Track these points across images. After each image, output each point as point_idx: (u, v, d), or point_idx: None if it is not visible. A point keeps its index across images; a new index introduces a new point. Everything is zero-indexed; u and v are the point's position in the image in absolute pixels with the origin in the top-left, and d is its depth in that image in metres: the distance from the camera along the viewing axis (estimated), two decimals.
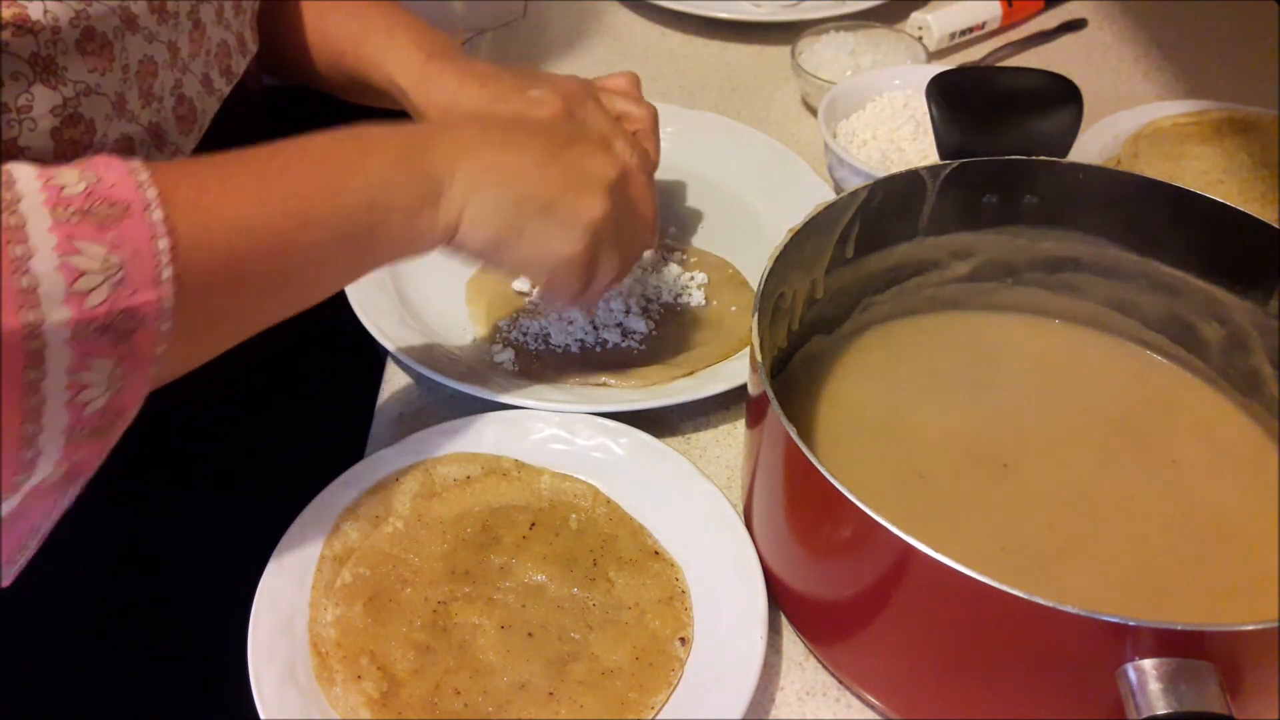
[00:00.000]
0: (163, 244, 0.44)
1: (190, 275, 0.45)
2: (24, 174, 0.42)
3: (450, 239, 0.56)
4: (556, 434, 0.64)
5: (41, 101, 0.50)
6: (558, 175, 0.57)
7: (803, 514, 0.52)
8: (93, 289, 0.41)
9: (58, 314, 0.40)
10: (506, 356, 0.71)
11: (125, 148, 0.55)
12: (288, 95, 0.85)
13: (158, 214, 0.44)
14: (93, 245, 0.42)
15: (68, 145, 0.52)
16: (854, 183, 0.78)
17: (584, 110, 0.68)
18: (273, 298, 0.52)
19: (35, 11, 0.48)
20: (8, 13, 0.47)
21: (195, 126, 0.62)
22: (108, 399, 0.44)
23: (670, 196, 0.86)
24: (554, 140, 0.59)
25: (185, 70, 0.60)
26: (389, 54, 0.71)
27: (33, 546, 0.50)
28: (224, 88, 0.65)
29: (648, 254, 0.78)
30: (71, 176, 0.43)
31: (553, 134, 0.60)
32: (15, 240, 0.40)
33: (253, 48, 0.70)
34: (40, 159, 0.50)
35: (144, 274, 0.43)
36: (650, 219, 0.65)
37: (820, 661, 0.56)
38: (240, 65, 0.67)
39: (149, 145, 0.57)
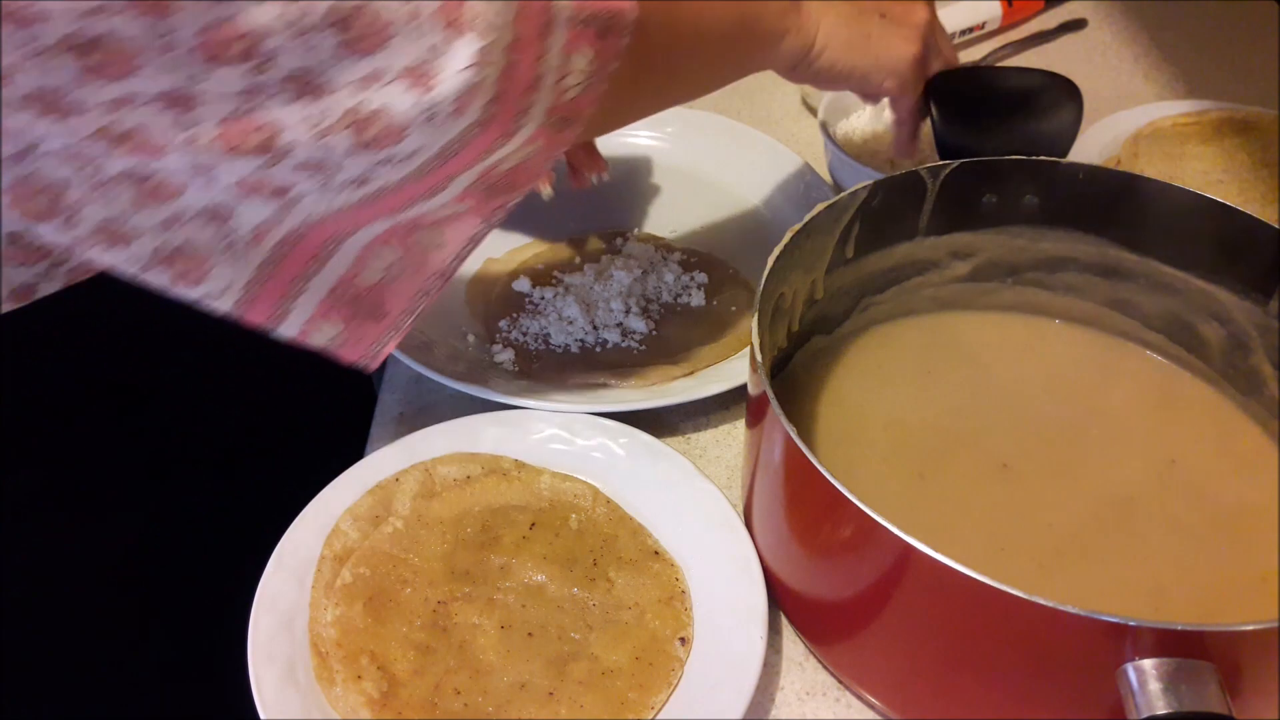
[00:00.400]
0: None
1: (643, 18, 0.49)
2: None
3: (809, 48, 0.64)
4: (556, 434, 0.64)
5: None
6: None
7: (803, 514, 0.52)
8: None
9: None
10: (506, 356, 0.71)
11: None
12: None
13: None
14: None
15: None
16: (854, 183, 0.78)
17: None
18: (680, 71, 0.58)
19: None
20: None
21: None
22: (580, 91, 0.47)
23: (670, 196, 0.86)
24: None
25: None
26: None
27: (435, 292, 0.52)
28: None
29: (644, 255, 0.78)
30: None
31: None
32: None
33: None
34: None
35: None
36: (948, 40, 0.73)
37: (820, 661, 0.56)
38: None
39: None
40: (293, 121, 0.40)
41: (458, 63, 0.41)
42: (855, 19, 0.65)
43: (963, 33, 1.03)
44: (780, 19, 0.61)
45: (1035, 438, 0.61)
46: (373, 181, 0.44)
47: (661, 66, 0.56)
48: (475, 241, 0.50)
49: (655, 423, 0.66)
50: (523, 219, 0.82)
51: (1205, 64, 1.02)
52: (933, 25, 0.69)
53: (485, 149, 0.45)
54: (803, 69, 0.65)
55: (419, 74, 0.41)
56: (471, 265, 0.78)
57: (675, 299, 0.76)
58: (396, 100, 0.41)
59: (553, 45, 0.45)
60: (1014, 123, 0.61)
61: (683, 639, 0.55)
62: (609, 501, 0.61)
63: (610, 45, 0.47)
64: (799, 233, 0.57)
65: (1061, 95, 0.62)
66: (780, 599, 0.56)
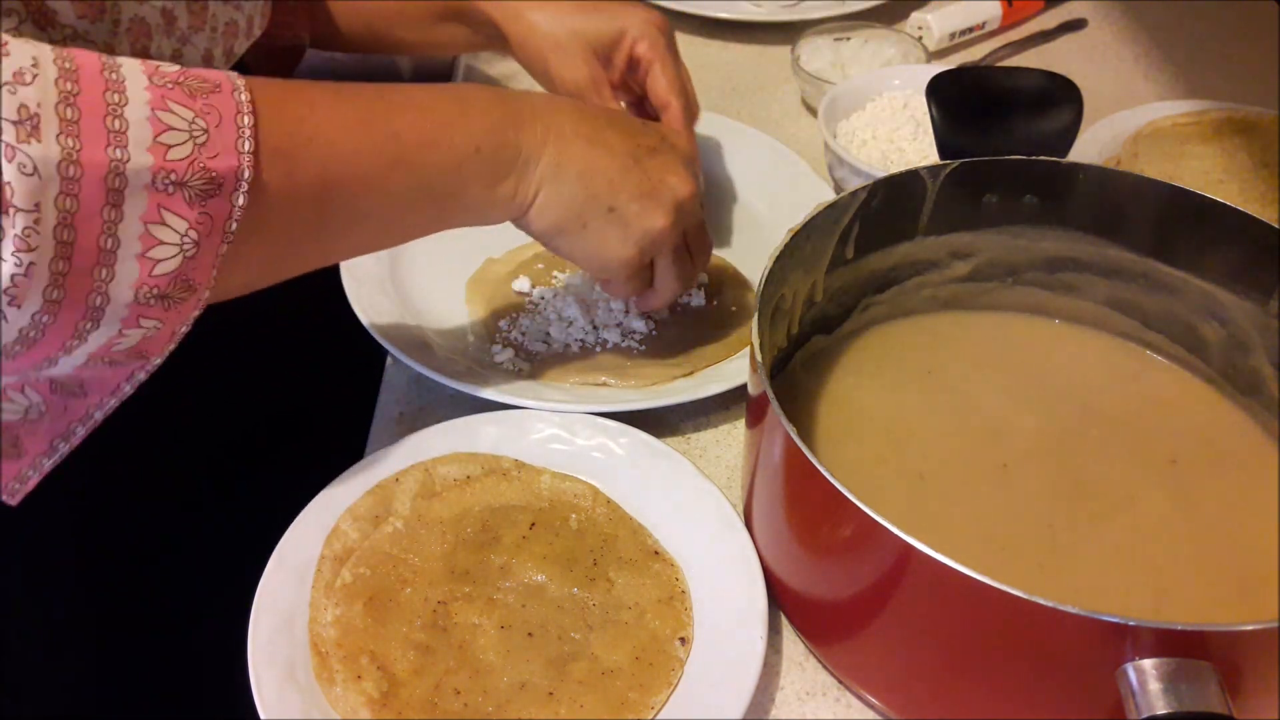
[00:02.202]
0: (246, 120, 0.46)
1: (283, 180, 0.48)
2: (126, 59, 0.45)
3: (522, 215, 0.59)
4: (556, 434, 0.64)
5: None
6: (634, 181, 0.59)
7: (803, 514, 0.52)
8: (177, 144, 0.44)
9: (141, 158, 0.43)
10: (506, 356, 0.71)
11: None
12: None
13: (244, 96, 0.47)
14: (182, 108, 0.44)
15: None
16: (854, 183, 0.78)
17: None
18: (349, 231, 0.54)
19: None
20: None
21: None
22: (178, 264, 0.45)
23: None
24: (640, 146, 0.61)
25: (185, 41, 0.60)
26: None
27: (75, 438, 0.51)
28: (224, 67, 0.65)
29: None
30: (166, 63, 0.46)
31: (640, 140, 0.62)
32: (114, 89, 0.43)
33: (257, 31, 0.70)
34: None
35: (226, 141, 0.45)
36: (706, 251, 0.68)
37: (820, 661, 0.56)
38: (242, 47, 0.67)
39: None
40: None
41: (4, 250, 0.40)
42: (578, 204, 0.59)
43: (963, 33, 1.04)
44: (488, 189, 0.56)
45: (1035, 438, 0.61)
46: None
47: (320, 233, 0.52)
48: (121, 395, 0.49)
49: (655, 423, 0.66)
50: None
51: (1205, 64, 1.02)
52: (669, 230, 0.61)
53: (70, 333, 0.44)
54: (519, 228, 0.61)
55: None
56: (471, 265, 0.78)
57: (675, 299, 0.75)
58: None
59: (126, 215, 0.43)
60: (1014, 123, 0.61)
61: (683, 639, 0.55)
62: (609, 501, 0.61)
63: (215, 209, 0.45)
64: (799, 233, 0.57)
65: (1061, 95, 0.62)
66: (780, 599, 0.56)
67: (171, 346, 0.48)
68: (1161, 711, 0.40)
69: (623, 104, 0.76)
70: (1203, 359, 0.63)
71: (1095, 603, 0.40)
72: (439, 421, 0.64)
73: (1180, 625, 0.40)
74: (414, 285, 0.76)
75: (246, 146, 0.46)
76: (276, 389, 0.82)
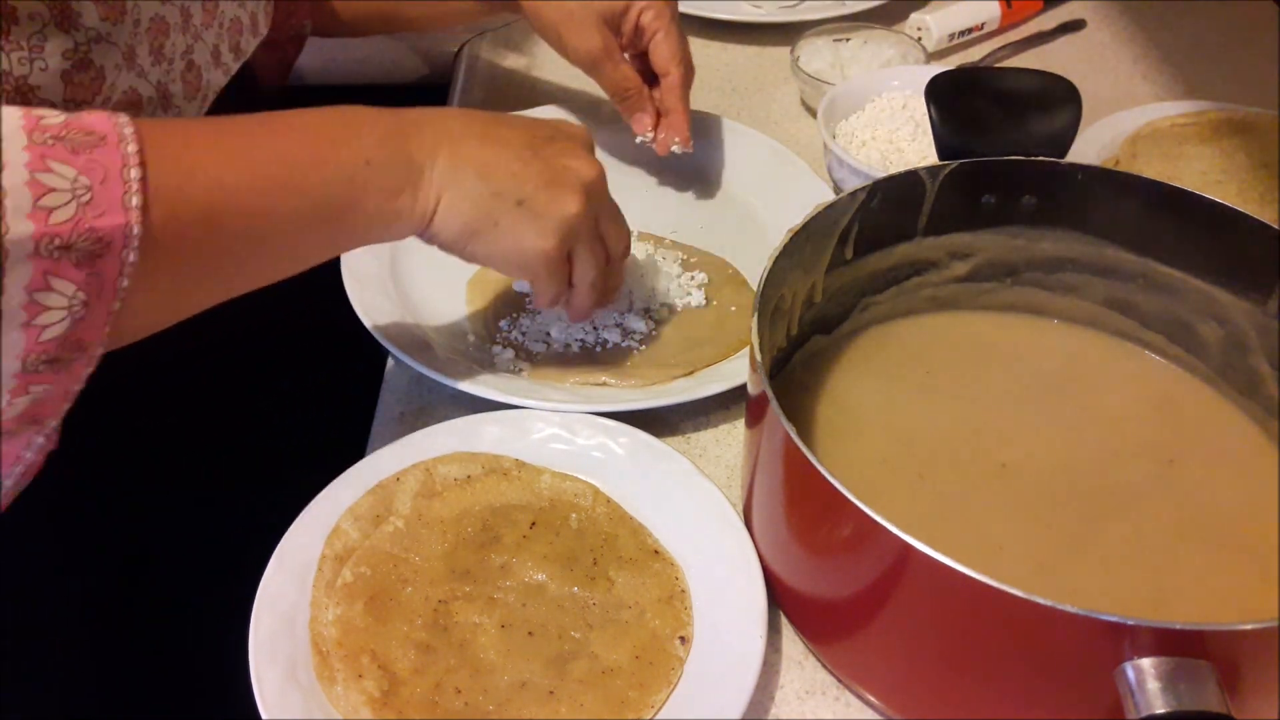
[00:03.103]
0: (133, 173, 0.45)
1: (167, 223, 0.46)
2: (7, 109, 0.43)
3: (426, 227, 0.57)
4: (557, 433, 0.64)
5: (54, 43, 0.51)
6: (536, 171, 0.58)
7: (802, 514, 0.52)
8: (59, 206, 0.42)
9: (21, 227, 0.41)
10: (506, 356, 0.71)
11: (133, 101, 0.56)
12: (302, 99, 0.85)
13: (131, 147, 0.45)
14: (64, 166, 0.43)
15: (77, 89, 0.53)
16: (853, 183, 0.78)
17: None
18: (246, 262, 0.53)
19: None
20: None
21: (199, 95, 0.62)
22: (67, 327, 0.44)
23: (670, 196, 0.86)
24: (535, 136, 0.60)
25: (197, 37, 0.60)
26: None
27: None
28: (231, 63, 0.66)
29: (644, 255, 0.78)
30: (52, 111, 0.44)
31: (534, 131, 0.61)
32: None
33: (263, 29, 0.70)
34: (50, 101, 0.51)
35: (112, 197, 0.44)
36: (623, 236, 0.67)
37: (820, 660, 0.56)
38: (249, 44, 0.68)
39: (156, 104, 0.58)
40: None
41: None
42: (484, 202, 0.57)
43: (962, 33, 1.04)
44: (386, 201, 0.55)
45: (1035, 438, 0.61)
46: None
47: (217, 267, 0.51)
48: (26, 464, 0.48)
49: (655, 423, 0.67)
50: None
51: (1204, 64, 1.02)
52: (583, 214, 0.60)
53: None
54: (427, 241, 0.60)
55: None
56: (472, 265, 0.78)
57: (675, 299, 0.76)
58: None
59: (8, 287, 0.41)
60: (1013, 123, 0.61)
61: (683, 638, 0.55)
62: (609, 501, 0.61)
63: (104, 268, 0.44)
64: (798, 233, 0.57)
65: (1060, 96, 0.62)
66: (780, 598, 0.57)
67: (67, 406, 0.47)
68: (1160, 710, 0.40)
69: None
70: (1201, 359, 0.63)
71: (1094, 602, 0.40)
72: (439, 421, 0.64)
73: (1179, 624, 0.40)
74: (414, 286, 0.76)
75: (134, 202, 0.44)
76: (277, 389, 0.82)
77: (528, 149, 0.59)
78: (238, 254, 0.52)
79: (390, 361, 0.72)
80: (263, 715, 0.50)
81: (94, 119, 0.45)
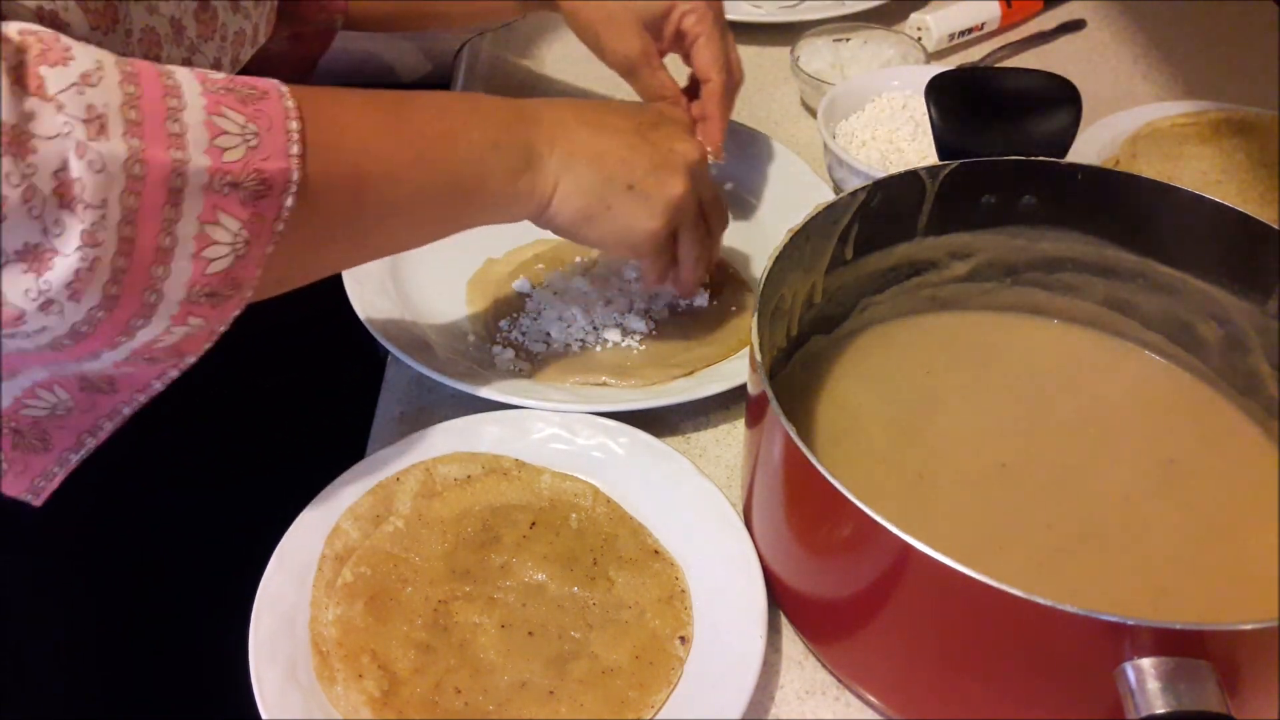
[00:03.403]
0: (294, 125, 0.48)
1: (320, 176, 0.49)
2: (177, 68, 0.46)
3: (544, 210, 0.61)
4: (557, 433, 0.64)
5: None
6: (644, 156, 0.61)
7: (802, 514, 0.52)
8: (231, 147, 0.45)
9: (199, 159, 0.44)
10: (506, 356, 0.71)
11: None
12: None
13: (290, 103, 0.48)
14: (234, 113, 0.46)
15: None
16: (853, 183, 0.78)
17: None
18: (380, 226, 0.56)
19: None
20: None
21: None
22: (230, 262, 0.46)
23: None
24: (642, 123, 0.63)
25: (195, 50, 0.60)
26: None
27: (103, 433, 0.51)
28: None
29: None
30: (214, 71, 0.48)
31: (641, 118, 0.64)
32: (171, 94, 0.44)
33: (262, 38, 0.70)
34: None
35: (276, 145, 0.47)
36: (723, 215, 0.69)
37: (820, 660, 0.56)
38: (247, 55, 0.67)
39: None
40: None
41: (69, 245, 0.41)
42: (597, 188, 0.61)
43: (962, 33, 1.04)
44: (509, 183, 0.59)
45: (1034, 438, 0.61)
46: (9, 348, 0.44)
47: (353, 228, 0.54)
48: (150, 393, 0.50)
49: (655, 423, 0.67)
50: None
51: (1204, 64, 1.02)
52: (688, 195, 0.63)
53: (121, 329, 0.45)
54: (543, 225, 0.63)
55: (34, 257, 0.41)
56: (472, 265, 0.78)
57: (675, 299, 0.76)
58: (12, 285, 0.41)
59: (184, 214, 0.44)
60: (1012, 123, 0.61)
61: (683, 638, 0.55)
62: (609, 501, 0.61)
63: (265, 210, 0.47)
64: (798, 233, 0.57)
65: (1060, 96, 0.62)
66: (780, 598, 0.57)
67: (208, 345, 0.49)
68: (1160, 710, 0.40)
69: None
70: (1201, 359, 0.63)
71: (1094, 602, 0.40)
72: (440, 421, 0.64)
73: (1179, 624, 0.40)
74: (414, 285, 0.76)
75: (295, 150, 0.47)
76: (278, 389, 0.82)
77: (635, 134, 0.62)
78: (375, 217, 0.54)
79: (390, 361, 0.72)
80: (263, 715, 0.50)
81: (253, 79, 0.48)
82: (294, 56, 0.81)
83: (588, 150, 0.60)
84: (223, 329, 0.49)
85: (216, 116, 0.45)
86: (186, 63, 0.60)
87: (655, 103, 0.69)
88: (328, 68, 0.87)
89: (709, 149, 0.75)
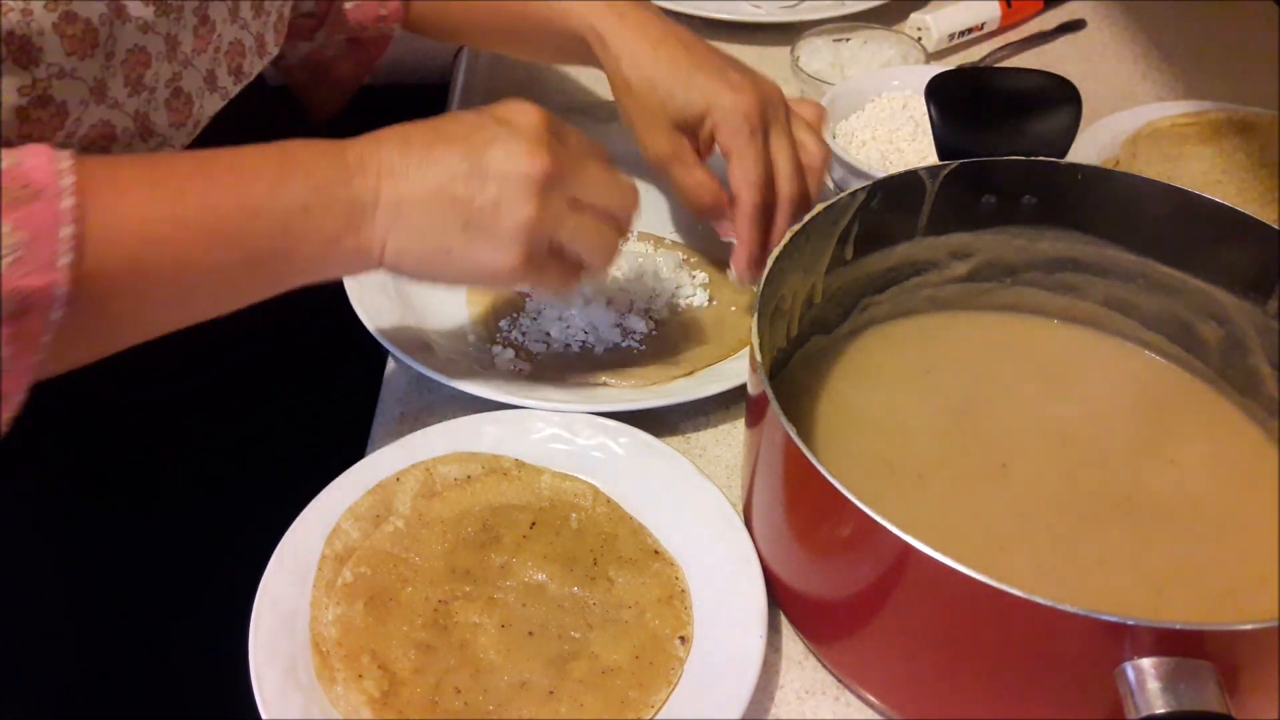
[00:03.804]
0: (66, 231, 0.44)
1: (93, 275, 0.45)
2: (161, 80, 0.43)
3: (379, 264, 0.56)
4: (557, 433, 0.64)
5: (10, 80, 0.50)
6: (477, 187, 0.54)
7: (802, 513, 0.52)
8: None
9: None
10: (506, 356, 0.71)
11: (105, 134, 0.55)
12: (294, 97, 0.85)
13: (68, 201, 0.44)
14: None
15: (35, 125, 0.51)
16: (854, 183, 0.78)
17: (768, 114, 0.66)
18: (175, 306, 0.52)
19: None
20: None
21: (189, 121, 0.61)
22: None
23: (669, 196, 0.86)
24: (474, 147, 0.55)
25: (187, 64, 0.59)
26: (585, 4, 0.70)
27: None
28: (231, 86, 0.65)
29: (644, 255, 0.78)
30: None
31: (474, 139, 0.56)
32: None
33: (273, 50, 0.69)
34: (4, 139, 0.50)
35: (41, 257, 0.43)
36: (619, 198, 0.60)
37: (820, 660, 0.56)
38: (255, 66, 0.67)
39: (133, 134, 0.57)
40: None
41: None
42: (431, 234, 0.55)
43: (962, 34, 1.04)
44: (326, 246, 0.53)
45: (1034, 438, 0.61)
46: None
47: (140, 316, 0.51)
48: None
49: (655, 423, 0.67)
50: None
51: (1204, 64, 1.02)
52: (541, 212, 0.55)
53: None
54: (384, 271, 0.57)
55: None
56: None
57: (675, 299, 0.76)
58: None
59: None
60: (1012, 123, 0.61)
61: (683, 638, 0.55)
62: (609, 501, 0.61)
63: (28, 326, 0.44)
64: (798, 234, 0.57)
65: (1060, 96, 0.62)
66: (780, 598, 0.57)
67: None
68: (1160, 710, 0.40)
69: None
70: (1201, 359, 0.63)
71: (1094, 602, 0.40)
72: (439, 421, 0.64)
73: (1179, 624, 0.40)
74: (414, 286, 0.76)
75: (64, 261, 0.44)
76: (278, 389, 0.82)
77: (465, 162, 0.55)
78: (165, 303, 0.51)
79: (390, 362, 0.72)
80: (263, 715, 0.50)
81: (34, 166, 0.45)
82: (350, 60, 0.81)
83: (417, 194, 0.54)
84: (9, 415, 0.46)
85: None
86: (176, 78, 0.59)
87: (490, 107, 0.59)
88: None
89: (733, 270, 0.68)
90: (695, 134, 0.67)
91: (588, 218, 0.58)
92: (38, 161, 0.45)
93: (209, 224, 0.50)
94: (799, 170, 0.66)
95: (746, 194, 0.65)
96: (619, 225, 0.60)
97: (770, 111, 0.65)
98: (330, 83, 0.82)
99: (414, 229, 0.54)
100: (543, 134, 0.57)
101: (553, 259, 0.58)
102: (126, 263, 0.47)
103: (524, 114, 0.58)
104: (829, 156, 0.70)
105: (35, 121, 0.51)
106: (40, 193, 0.44)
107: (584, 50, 0.71)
